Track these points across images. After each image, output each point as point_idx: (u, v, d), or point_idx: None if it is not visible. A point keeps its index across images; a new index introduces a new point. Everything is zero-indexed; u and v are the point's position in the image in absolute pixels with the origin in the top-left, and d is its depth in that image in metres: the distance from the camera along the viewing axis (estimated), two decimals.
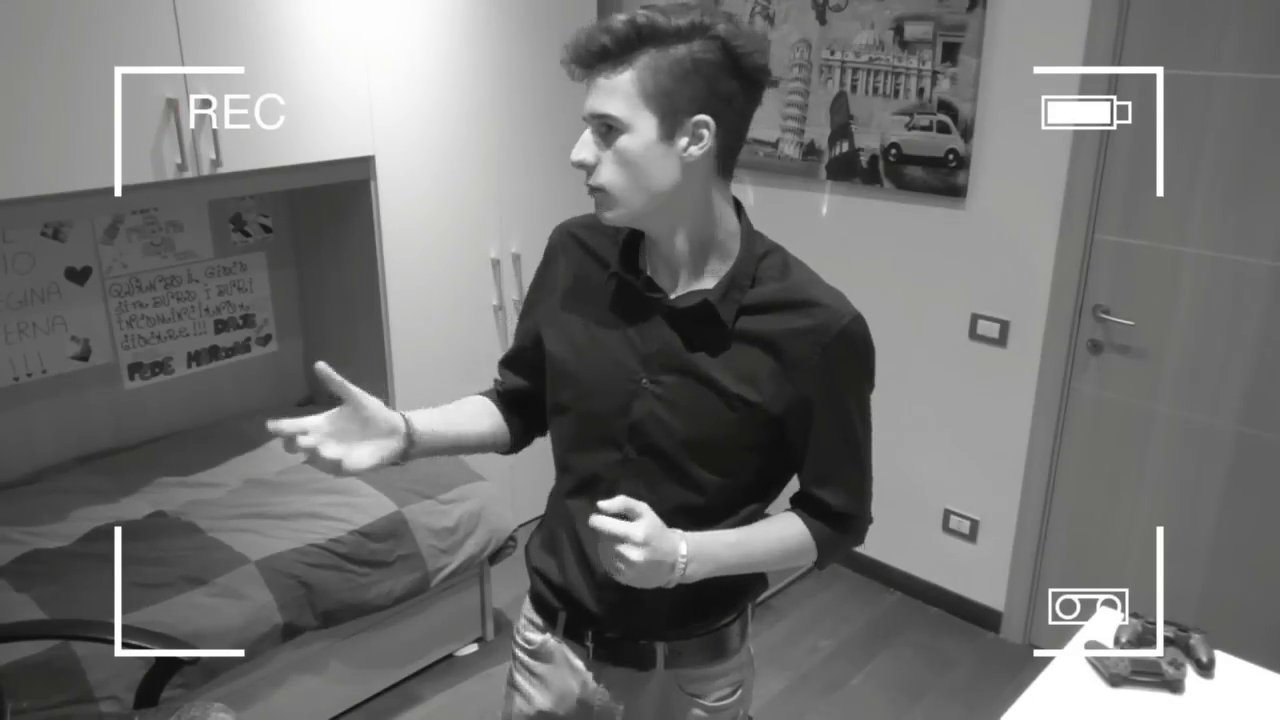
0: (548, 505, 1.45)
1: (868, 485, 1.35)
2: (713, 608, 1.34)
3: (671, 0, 1.17)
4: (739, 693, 1.43)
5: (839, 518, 1.33)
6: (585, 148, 1.19)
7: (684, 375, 1.25)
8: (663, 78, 1.13)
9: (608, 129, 1.17)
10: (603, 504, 1.15)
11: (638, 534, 1.14)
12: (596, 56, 1.14)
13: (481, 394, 1.49)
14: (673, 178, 1.18)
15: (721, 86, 1.15)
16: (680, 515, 1.26)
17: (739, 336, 1.23)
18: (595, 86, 1.16)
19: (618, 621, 1.33)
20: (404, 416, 1.25)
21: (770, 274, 1.25)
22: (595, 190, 1.20)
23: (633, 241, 1.29)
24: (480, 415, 1.43)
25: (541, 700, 1.45)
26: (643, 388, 1.26)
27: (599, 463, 1.32)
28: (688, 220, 1.23)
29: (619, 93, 1.14)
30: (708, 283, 1.25)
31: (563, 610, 1.39)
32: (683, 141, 1.16)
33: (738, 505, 1.31)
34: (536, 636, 1.45)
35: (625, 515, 1.15)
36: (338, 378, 1.16)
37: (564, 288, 1.36)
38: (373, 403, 1.21)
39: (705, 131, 1.16)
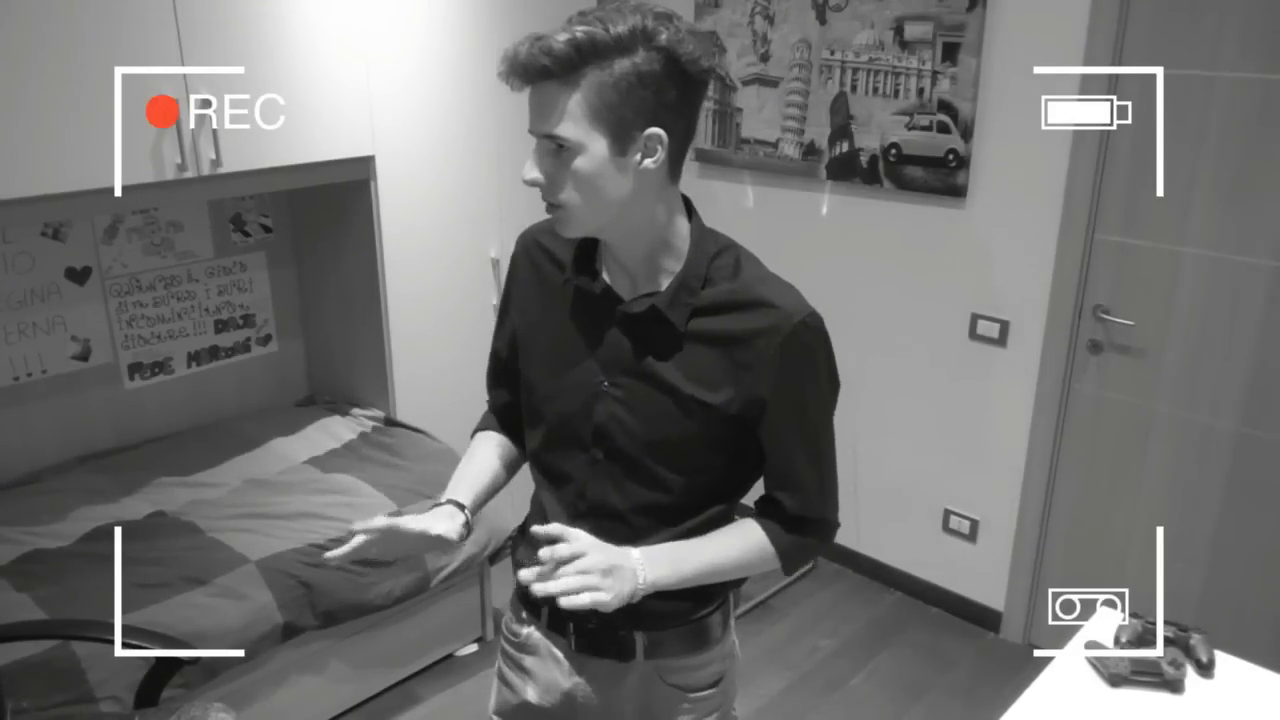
0: (531, 504, 1.47)
1: (829, 488, 1.33)
2: (691, 598, 1.33)
3: (610, 2, 1.15)
4: (721, 683, 1.43)
5: (798, 521, 1.32)
6: (536, 167, 1.18)
7: (640, 378, 1.26)
8: (608, 94, 1.12)
9: (559, 148, 1.15)
10: (536, 530, 1.19)
11: (578, 546, 1.16)
12: (538, 75, 1.12)
13: (479, 427, 1.53)
14: (627, 190, 1.18)
15: (668, 96, 1.14)
16: (648, 514, 1.30)
17: (692, 338, 1.24)
18: (540, 106, 1.14)
19: (595, 613, 1.25)
20: (460, 509, 1.35)
21: (722, 274, 1.25)
22: (553, 208, 1.20)
23: (587, 246, 1.30)
24: (494, 455, 1.47)
25: (527, 692, 1.45)
26: (603, 391, 1.28)
27: (569, 464, 1.34)
28: (641, 226, 1.23)
29: (567, 115, 1.12)
30: (660, 284, 1.25)
31: (544, 604, 1.38)
32: (636, 156, 1.16)
33: (704, 505, 1.32)
34: (522, 629, 1.46)
35: (559, 539, 1.17)
36: (385, 527, 1.30)
37: (531, 294, 1.38)
38: (431, 524, 1.30)
39: (659, 145, 1.16)
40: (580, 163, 1.15)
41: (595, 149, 1.14)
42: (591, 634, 1.37)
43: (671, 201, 1.25)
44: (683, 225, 1.26)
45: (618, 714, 1.40)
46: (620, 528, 1.29)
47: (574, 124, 1.13)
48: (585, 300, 1.29)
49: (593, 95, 1.11)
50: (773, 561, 1.32)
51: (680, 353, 1.24)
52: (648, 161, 1.16)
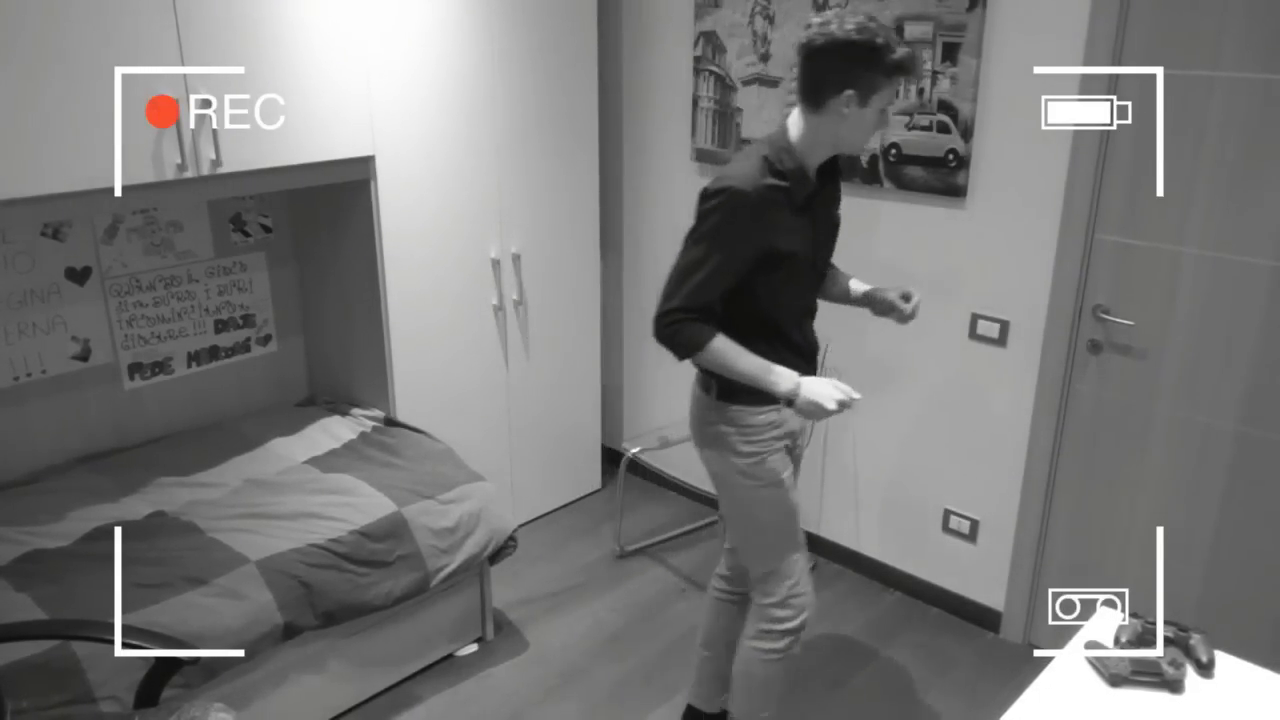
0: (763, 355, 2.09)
1: None
2: None
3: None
4: None
5: None
6: None
7: (831, 231, 2.20)
8: None
9: None
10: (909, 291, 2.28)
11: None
12: None
13: (710, 333, 2.04)
14: None
15: None
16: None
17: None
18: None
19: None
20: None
21: None
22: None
23: (805, 168, 2.01)
24: None
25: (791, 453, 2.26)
26: (820, 246, 2.16)
27: (811, 298, 2.20)
28: None
29: None
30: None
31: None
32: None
33: None
34: (777, 414, 2.14)
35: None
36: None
37: (780, 219, 1.99)
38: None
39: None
40: None
41: None
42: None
43: None
44: None
45: None
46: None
47: None
48: (808, 200, 2.03)
49: None
50: None
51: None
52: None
